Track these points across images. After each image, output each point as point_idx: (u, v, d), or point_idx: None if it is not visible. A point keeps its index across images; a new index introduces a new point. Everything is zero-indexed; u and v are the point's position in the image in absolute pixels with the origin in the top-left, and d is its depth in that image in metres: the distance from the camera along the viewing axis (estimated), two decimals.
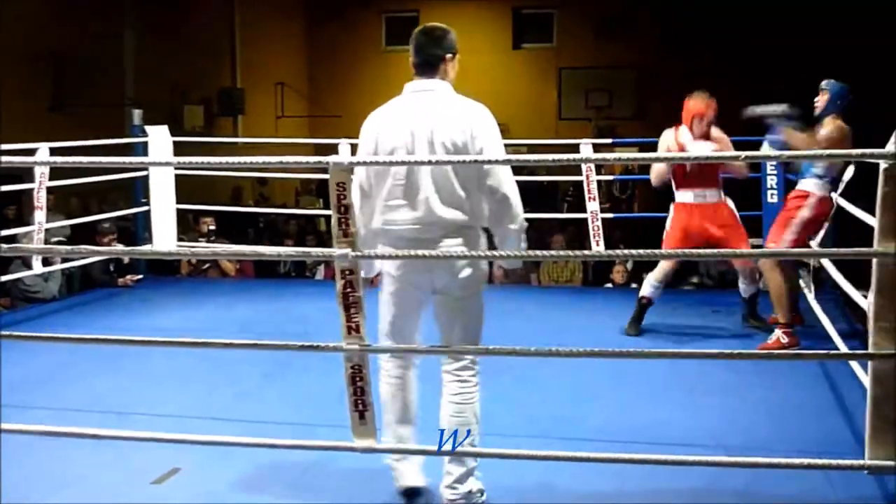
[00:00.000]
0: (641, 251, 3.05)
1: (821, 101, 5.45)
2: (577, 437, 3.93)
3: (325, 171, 2.92)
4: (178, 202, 7.81)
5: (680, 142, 5.74)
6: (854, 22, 13.52)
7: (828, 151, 5.00)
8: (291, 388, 4.80)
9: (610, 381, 4.74)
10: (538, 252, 3.67)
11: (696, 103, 5.75)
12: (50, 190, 6.80)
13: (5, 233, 6.76)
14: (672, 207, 5.93)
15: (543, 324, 6.25)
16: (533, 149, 13.45)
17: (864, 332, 2.79)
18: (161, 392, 4.71)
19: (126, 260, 7.91)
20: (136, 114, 8.08)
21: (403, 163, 3.16)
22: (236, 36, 15.96)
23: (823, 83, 5.49)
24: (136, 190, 8.01)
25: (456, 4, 17.76)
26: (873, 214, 2.73)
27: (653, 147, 6.02)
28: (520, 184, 3.29)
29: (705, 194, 5.80)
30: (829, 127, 5.31)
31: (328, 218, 3.13)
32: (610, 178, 12.87)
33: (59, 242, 7.36)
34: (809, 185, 5.48)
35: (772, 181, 6.56)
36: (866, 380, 2.92)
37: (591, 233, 7.08)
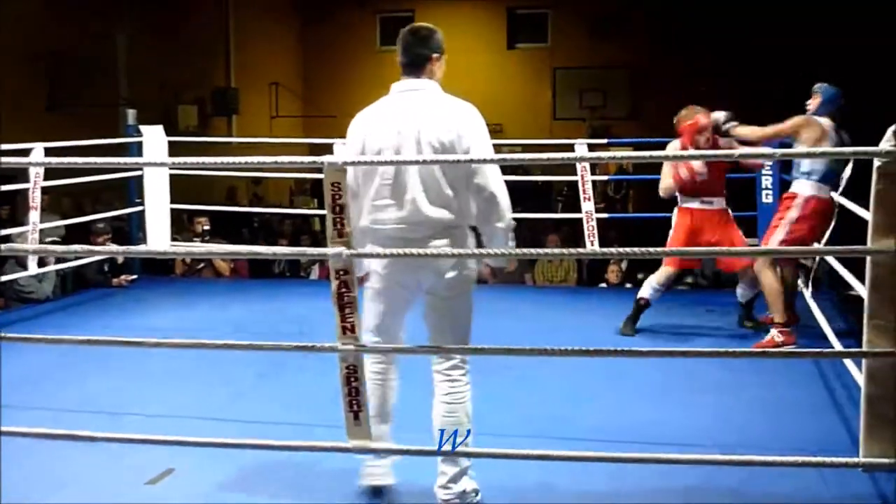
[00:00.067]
0: (636, 249, 3.04)
1: (812, 103, 5.50)
2: (572, 436, 3.93)
3: (319, 170, 2.92)
4: (172, 202, 7.79)
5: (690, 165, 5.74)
6: (852, 22, 13.53)
7: (820, 150, 5.04)
8: (286, 388, 4.79)
9: (605, 381, 4.74)
10: (531, 250, 3.67)
11: (693, 118, 5.70)
12: (45, 190, 6.78)
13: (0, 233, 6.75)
14: (676, 212, 5.94)
15: (538, 323, 6.25)
16: (528, 148, 13.48)
17: (860, 331, 2.80)
18: (155, 392, 4.71)
19: (120, 260, 7.90)
20: (131, 114, 8.07)
21: (397, 162, 3.16)
22: (230, 36, 15.93)
23: (816, 86, 5.54)
24: (131, 190, 8.00)
25: (450, 4, 17.76)
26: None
27: (647, 146, 6.03)
28: (515, 183, 3.30)
29: (712, 201, 5.84)
30: (794, 118, 5.41)
31: (323, 218, 3.14)
32: (605, 177, 12.87)
33: (53, 243, 7.35)
34: (797, 185, 5.53)
35: (766, 181, 6.58)
36: (860, 378, 2.92)
37: (586, 232, 7.08)
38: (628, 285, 8.32)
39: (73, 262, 7.40)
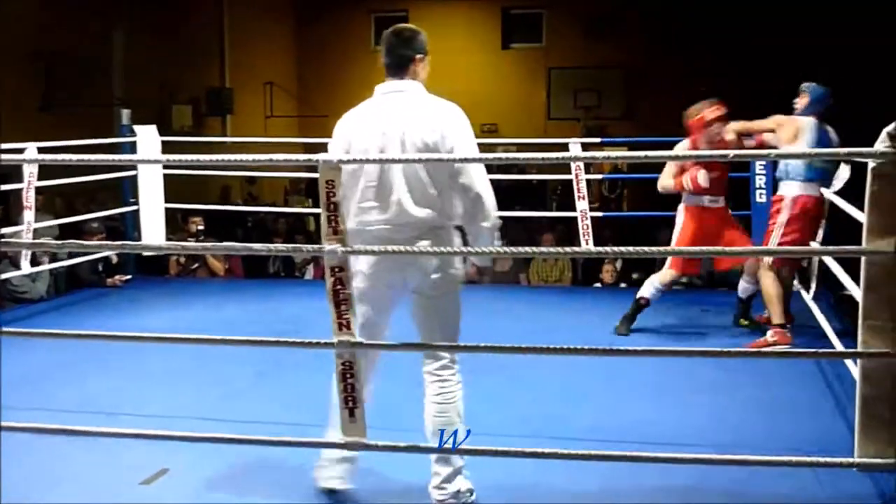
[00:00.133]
0: (630, 248, 3.05)
1: (800, 103, 5.55)
2: (567, 436, 3.93)
3: (314, 170, 2.93)
4: (166, 202, 7.78)
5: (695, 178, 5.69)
6: (852, 22, 13.56)
7: (815, 151, 5.06)
8: (282, 387, 4.79)
9: (600, 381, 4.74)
10: (522, 248, 3.67)
11: (704, 112, 5.68)
12: (38, 190, 6.77)
13: None
14: (683, 211, 5.88)
15: (533, 323, 6.25)
16: (523, 147, 13.49)
17: (856, 331, 2.80)
18: (152, 392, 4.70)
19: (115, 260, 7.89)
20: (125, 113, 8.06)
21: (390, 161, 3.16)
22: (225, 36, 15.91)
23: (804, 85, 5.58)
24: (125, 189, 7.99)
25: (445, 4, 17.76)
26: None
27: (642, 146, 6.04)
28: (510, 182, 3.31)
29: (718, 199, 5.86)
30: (773, 116, 5.51)
31: (317, 217, 3.13)
32: (599, 177, 12.89)
33: None
34: (783, 187, 5.60)
35: (760, 181, 6.59)
36: (856, 375, 2.93)
37: (581, 231, 7.08)
38: (623, 285, 8.33)
39: (66, 262, 7.39)
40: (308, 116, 17.31)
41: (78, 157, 3.27)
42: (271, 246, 3.49)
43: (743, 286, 6.03)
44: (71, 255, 7.39)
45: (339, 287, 2.91)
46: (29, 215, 6.50)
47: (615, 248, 7.23)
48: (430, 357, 3.30)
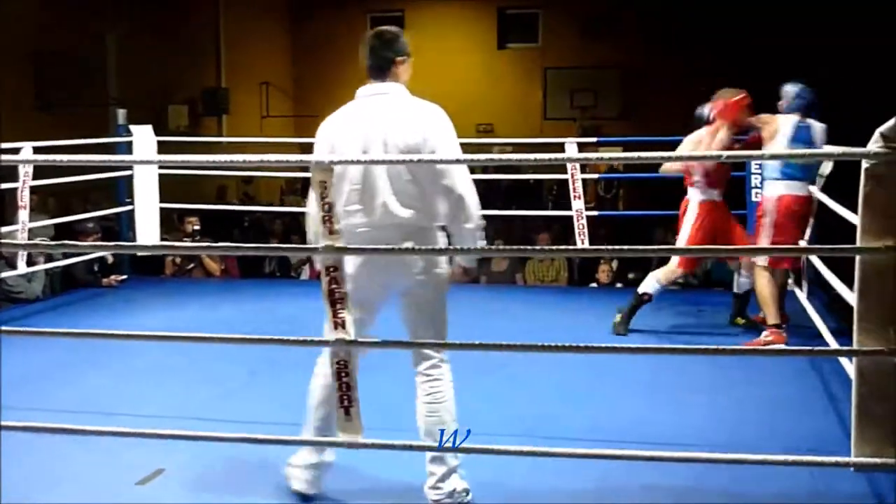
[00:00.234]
0: (624, 247, 3.05)
1: (782, 103, 5.65)
2: (563, 435, 3.94)
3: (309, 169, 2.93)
4: (162, 202, 7.78)
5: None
6: (851, 22, 13.59)
7: (808, 151, 5.07)
8: (277, 386, 4.78)
9: (596, 380, 4.75)
10: (511, 247, 3.68)
11: (735, 96, 5.63)
12: (33, 190, 6.76)
13: None
14: (697, 206, 5.77)
15: (529, 323, 6.26)
16: (518, 147, 13.50)
17: (851, 330, 2.81)
18: (147, 392, 4.70)
19: (110, 260, 7.89)
20: (121, 113, 8.06)
21: (384, 162, 3.16)
22: (221, 36, 15.91)
23: (784, 86, 5.64)
24: (120, 189, 7.98)
25: (441, 4, 17.77)
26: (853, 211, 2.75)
27: (638, 146, 6.04)
28: (507, 182, 3.31)
29: (723, 194, 5.86)
30: (759, 115, 5.59)
31: None
32: (595, 176, 12.89)
33: None
34: (766, 188, 5.64)
35: (756, 180, 6.60)
36: (852, 375, 2.93)
37: (577, 231, 7.09)
38: (619, 285, 8.34)
39: (62, 262, 7.38)
40: (304, 116, 17.28)
41: (73, 158, 3.27)
42: (266, 246, 3.48)
43: (739, 281, 6.03)
44: (66, 255, 7.38)
45: (334, 286, 2.92)
46: (24, 215, 6.49)
47: (602, 247, 7.24)
48: (419, 357, 3.31)
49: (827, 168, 5.75)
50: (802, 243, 5.90)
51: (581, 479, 3.48)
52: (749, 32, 14.65)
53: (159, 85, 13.94)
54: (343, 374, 2.97)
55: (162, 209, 7.81)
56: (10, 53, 11.06)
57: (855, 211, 2.76)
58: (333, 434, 3.36)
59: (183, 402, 4.56)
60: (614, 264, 8.61)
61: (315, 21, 17.87)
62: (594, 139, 9.99)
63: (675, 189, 6.14)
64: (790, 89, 5.60)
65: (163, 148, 7.83)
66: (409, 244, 3.17)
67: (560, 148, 7.27)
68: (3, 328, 3.35)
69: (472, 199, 3.25)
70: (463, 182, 3.22)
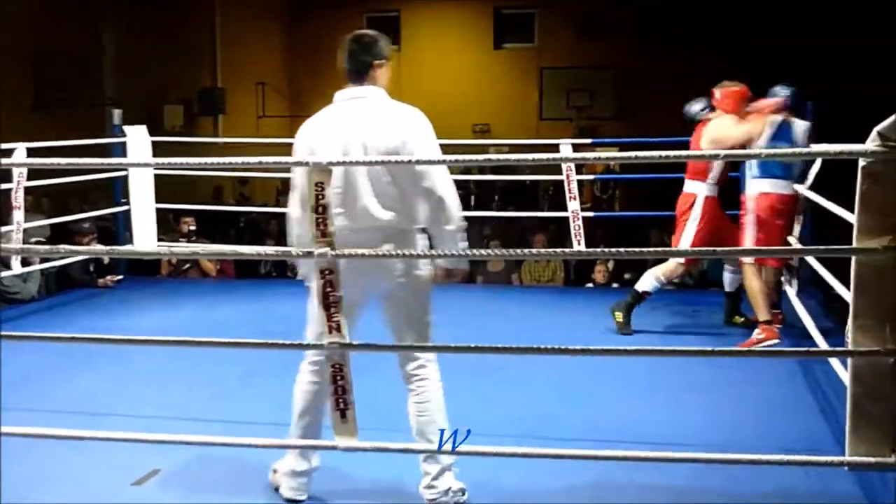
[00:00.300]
0: (621, 249, 3.05)
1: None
2: (560, 436, 3.94)
3: None
4: (158, 202, 7.77)
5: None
6: (851, 22, 13.61)
7: (807, 150, 5.08)
8: (272, 388, 4.76)
9: (593, 380, 4.75)
10: (499, 250, 3.68)
11: (737, 86, 5.70)
12: (28, 190, 6.75)
13: None
14: (703, 202, 5.71)
15: (526, 323, 6.26)
16: (514, 148, 13.50)
17: (844, 329, 2.81)
18: (142, 393, 4.69)
19: (106, 260, 7.87)
20: (116, 113, 8.04)
21: (377, 163, 3.16)
22: (216, 36, 15.90)
23: (774, 88, 5.70)
24: (116, 190, 7.97)
25: (437, 4, 17.77)
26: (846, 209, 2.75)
27: (633, 146, 6.04)
28: (503, 183, 3.32)
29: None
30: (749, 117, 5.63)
31: None
32: (591, 177, 12.89)
33: (38, 243, 7.30)
34: (748, 187, 5.65)
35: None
36: (845, 376, 2.93)
37: (573, 232, 7.09)
38: (615, 285, 8.35)
39: (58, 262, 7.37)
40: (300, 116, 17.03)
41: (65, 161, 3.26)
42: (260, 250, 3.49)
43: (728, 278, 6.02)
44: (62, 256, 7.36)
45: (329, 289, 2.91)
46: (18, 215, 6.48)
47: (580, 249, 7.23)
48: (405, 358, 3.32)
49: (814, 167, 5.79)
50: (793, 240, 5.93)
51: (578, 478, 3.48)
52: (746, 32, 14.66)
53: (155, 85, 13.94)
54: (339, 377, 2.97)
55: (158, 209, 7.80)
56: (8, 53, 11.05)
57: (849, 209, 2.76)
58: (319, 439, 3.37)
59: (180, 402, 4.55)
60: (610, 264, 8.61)
61: (311, 21, 17.87)
62: (589, 140, 10.00)
63: (671, 189, 6.13)
64: (777, 90, 5.65)
65: (159, 148, 7.81)
66: (389, 246, 3.19)
67: (555, 149, 7.26)
68: (4, 333, 3.32)
69: (452, 200, 3.25)
70: (443, 184, 3.23)
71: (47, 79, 11.79)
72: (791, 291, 6.19)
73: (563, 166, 7.13)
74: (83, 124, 10.18)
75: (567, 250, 7.13)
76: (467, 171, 12.21)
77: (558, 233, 9.76)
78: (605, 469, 3.50)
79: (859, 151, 2.63)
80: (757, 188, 5.59)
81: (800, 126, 5.61)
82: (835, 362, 4.40)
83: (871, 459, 2.76)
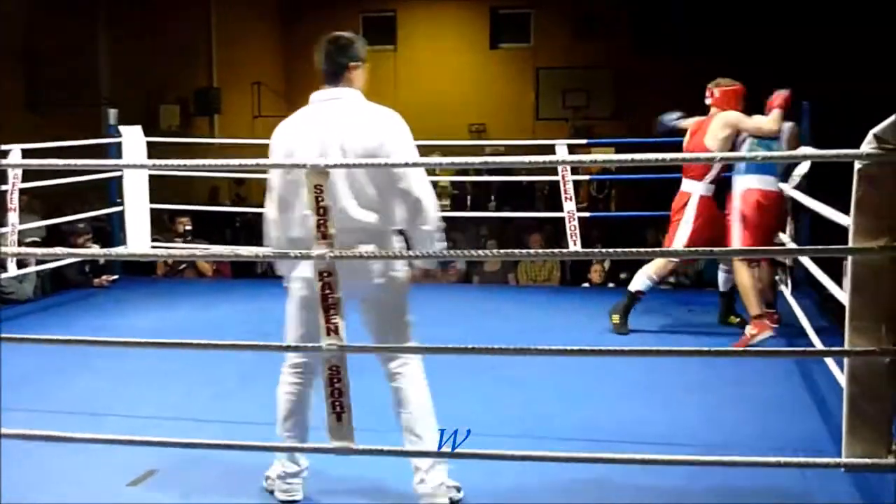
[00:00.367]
0: (618, 250, 3.06)
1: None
2: (557, 436, 3.94)
3: None
4: (154, 202, 7.76)
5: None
6: (850, 22, 13.63)
7: (802, 152, 5.10)
8: (269, 389, 4.76)
9: (590, 380, 4.75)
10: (515, 251, 3.68)
11: (734, 85, 5.74)
12: (23, 191, 6.74)
13: None
14: (697, 202, 5.70)
15: (522, 323, 6.26)
16: (510, 149, 13.49)
17: (841, 329, 2.81)
18: (139, 393, 4.69)
19: (102, 261, 7.86)
20: (112, 113, 8.03)
21: (372, 164, 3.16)
22: (212, 35, 15.88)
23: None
24: (111, 190, 7.96)
25: (433, 4, 17.76)
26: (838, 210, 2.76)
27: (629, 147, 6.06)
28: (499, 184, 3.32)
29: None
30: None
31: None
32: (587, 178, 12.90)
33: (33, 244, 7.30)
34: (735, 183, 5.70)
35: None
36: (841, 376, 2.94)
37: (568, 232, 7.09)
38: (611, 285, 8.36)
39: (53, 263, 7.35)
40: None
41: (61, 162, 3.26)
42: (258, 251, 3.49)
43: (723, 278, 6.04)
44: (58, 257, 7.34)
45: (327, 292, 2.91)
46: (13, 217, 6.47)
47: (561, 250, 7.21)
48: (386, 357, 3.34)
49: (803, 167, 5.82)
50: (786, 237, 5.96)
51: (575, 478, 3.48)
52: (743, 33, 14.67)
53: (151, 85, 13.92)
54: (336, 379, 2.97)
55: (153, 210, 7.79)
56: (2, 53, 11.02)
57: (841, 211, 2.77)
58: (306, 441, 3.38)
59: (179, 402, 4.55)
60: (606, 264, 8.63)
61: (307, 21, 17.82)
62: (585, 140, 9.99)
63: (667, 189, 6.14)
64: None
65: (154, 149, 7.81)
66: (367, 247, 3.19)
67: (551, 150, 7.26)
68: (3, 335, 3.32)
69: (429, 201, 3.27)
70: (420, 185, 3.24)
71: (42, 78, 11.77)
72: (787, 291, 6.21)
73: (559, 167, 7.14)
74: (79, 124, 10.18)
75: (563, 251, 7.13)
76: (464, 172, 12.22)
77: (554, 233, 9.77)
78: (602, 469, 3.50)
79: (855, 154, 2.64)
80: (744, 184, 5.62)
81: (785, 126, 5.67)
82: (831, 361, 4.41)
83: (868, 461, 2.76)
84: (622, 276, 8.39)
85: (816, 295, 6.37)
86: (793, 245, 6.14)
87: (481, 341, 3.13)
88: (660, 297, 6.49)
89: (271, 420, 3.87)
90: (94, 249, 7.45)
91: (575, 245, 7.05)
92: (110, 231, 8.18)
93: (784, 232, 6.04)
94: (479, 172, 12.23)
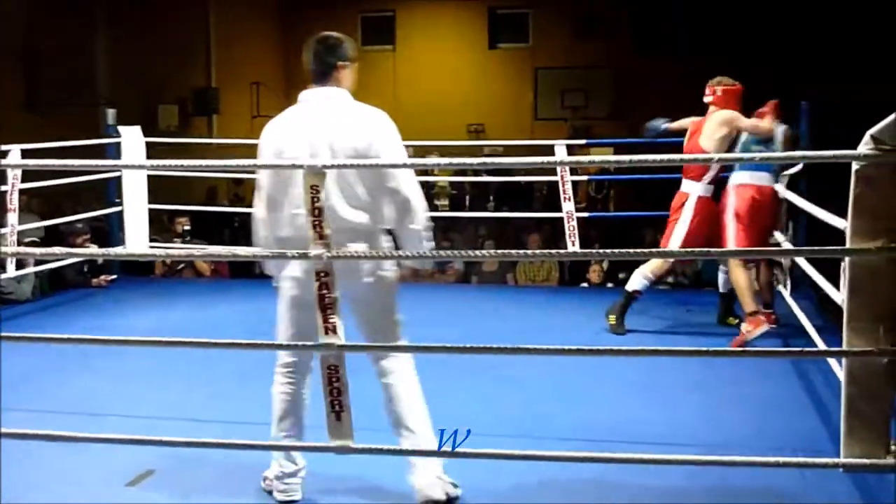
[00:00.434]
0: (616, 250, 3.06)
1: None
2: (556, 436, 3.94)
3: None
4: (153, 202, 7.76)
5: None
6: (849, 22, 13.64)
7: (800, 153, 5.10)
8: (267, 388, 4.76)
9: (588, 380, 4.75)
10: (513, 251, 3.68)
11: (735, 84, 5.76)
12: (22, 191, 6.73)
13: None
14: (695, 202, 5.69)
15: (521, 323, 6.26)
16: (509, 149, 13.50)
17: (839, 329, 2.82)
18: (137, 393, 4.69)
19: (100, 261, 7.86)
20: (111, 113, 8.03)
21: (368, 165, 3.16)
22: (211, 35, 15.87)
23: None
24: (110, 190, 7.96)
25: (432, 4, 17.76)
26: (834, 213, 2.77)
27: (628, 147, 6.07)
28: (498, 184, 3.32)
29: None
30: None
31: None
32: (585, 178, 12.90)
33: (32, 244, 7.29)
34: (731, 178, 5.75)
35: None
36: (841, 375, 2.95)
37: (567, 232, 7.09)
38: (610, 285, 8.36)
39: (52, 263, 7.35)
40: None
41: (62, 163, 3.26)
42: (256, 251, 3.48)
43: (722, 278, 6.04)
44: (57, 258, 7.34)
45: (324, 291, 2.91)
46: (13, 218, 6.47)
47: (580, 249, 7.20)
48: (376, 355, 3.35)
49: (794, 168, 5.87)
50: (781, 236, 5.97)
51: (574, 477, 3.48)
52: (743, 33, 14.67)
53: (150, 85, 13.92)
54: (334, 379, 2.97)
55: (152, 210, 7.79)
56: (1, 53, 11.01)
57: (838, 213, 2.78)
58: (302, 440, 3.39)
59: (177, 402, 4.55)
60: (605, 264, 8.64)
61: (306, 21, 17.80)
62: (584, 141, 10.00)
63: (665, 189, 6.15)
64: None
65: (153, 149, 7.81)
66: (357, 246, 3.20)
67: (549, 150, 7.27)
68: (3, 334, 3.32)
69: (418, 201, 3.28)
70: (409, 184, 3.25)
71: (41, 79, 11.76)
72: (786, 292, 6.21)
73: (558, 168, 7.14)
74: (78, 124, 10.18)
75: (561, 251, 7.13)
76: (462, 172, 12.23)
77: (553, 233, 9.77)
78: (601, 468, 3.51)
79: (853, 155, 2.65)
80: (737, 179, 5.65)
81: (779, 128, 5.74)
82: (833, 361, 4.41)
83: (866, 461, 2.77)
84: (621, 276, 8.39)
85: (815, 295, 6.38)
86: (790, 246, 6.15)
87: (480, 341, 3.13)
88: (658, 297, 6.50)
89: (269, 419, 3.88)
90: (93, 249, 7.44)
91: (573, 245, 7.05)
92: (109, 231, 8.18)
93: (779, 230, 6.05)
94: (477, 173, 12.24)
